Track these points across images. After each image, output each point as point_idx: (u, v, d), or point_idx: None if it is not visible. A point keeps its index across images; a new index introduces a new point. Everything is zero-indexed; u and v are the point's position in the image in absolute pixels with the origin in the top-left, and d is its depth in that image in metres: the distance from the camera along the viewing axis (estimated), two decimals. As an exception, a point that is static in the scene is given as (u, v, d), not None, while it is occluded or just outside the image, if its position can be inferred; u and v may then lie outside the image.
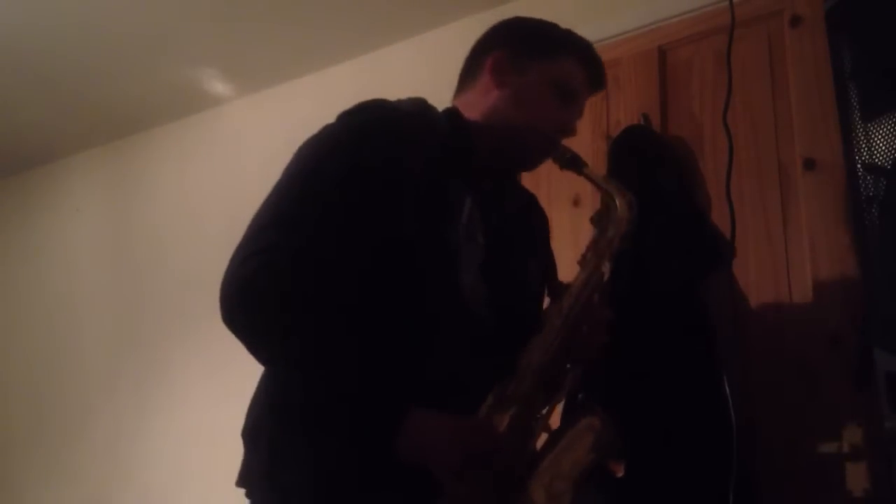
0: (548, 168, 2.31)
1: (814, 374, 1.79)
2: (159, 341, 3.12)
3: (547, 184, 2.31)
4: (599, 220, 1.34)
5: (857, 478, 1.65)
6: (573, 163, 1.38)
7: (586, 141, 2.29)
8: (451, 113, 1.37)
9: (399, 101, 1.31)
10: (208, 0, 2.75)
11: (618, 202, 1.34)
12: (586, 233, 2.13)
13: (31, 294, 3.70)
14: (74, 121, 3.48)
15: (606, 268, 1.31)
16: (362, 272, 1.16)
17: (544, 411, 1.22)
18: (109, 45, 2.98)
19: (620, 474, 1.25)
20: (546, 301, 1.39)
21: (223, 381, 2.67)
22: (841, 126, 1.36)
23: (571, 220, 2.24)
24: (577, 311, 1.26)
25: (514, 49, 1.38)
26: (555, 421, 1.24)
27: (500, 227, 1.33)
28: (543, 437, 1.21)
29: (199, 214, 3.17)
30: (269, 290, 1.11)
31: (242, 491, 1.20)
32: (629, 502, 1.70)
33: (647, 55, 2.25)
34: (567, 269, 2.20)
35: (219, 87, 3.24)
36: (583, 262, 1.32)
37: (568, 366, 1.26)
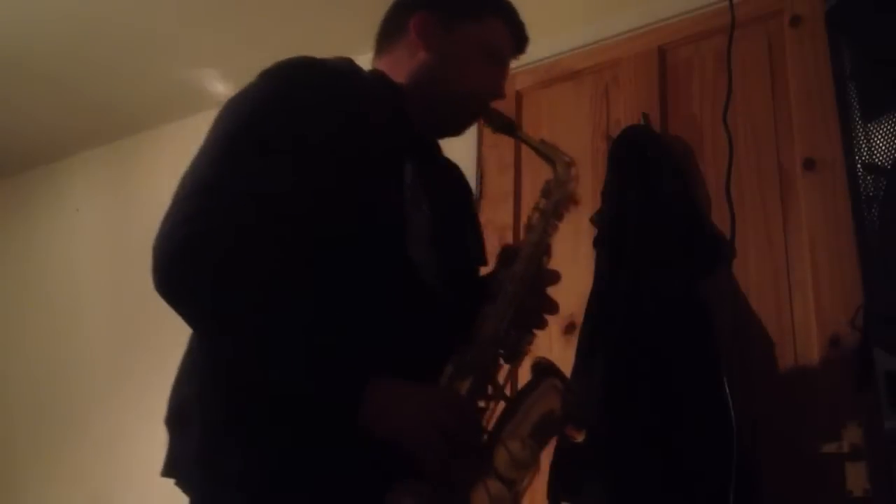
0: (547, 168, 2.32)
1: (814, 374, 1.79)
2: (159, 341, 3.11)
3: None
4: (545, 185, 1.31)
5: (857, 478, 1.65)
6: (507, 127, 1.35)
7: (586, 141, 2.29)
8: (379, 75, 1.33)
9: (327, 59, 1.24)
10: (208, 0, 2.75)
11: (557, 163, 1.31)
12: (586, 233, 2.14)
13: (32, 294, 3.70)
14: (75, 121, 3.48)
15: (553, 230, 1.28)
16: (304, 238, 1.09)
17: (500, 381, 1.18)
18: (110, 45, 2.98)
19: (579, 439, 1.24)
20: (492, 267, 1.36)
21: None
22: (841, 126, 1.36)
23: (571, 221, 2.23)
24: (528, 275, 1.22)
25: (440, 9, 1.33)
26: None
27: (438, 194, 1.30)
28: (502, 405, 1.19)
29: (199, 214, 3.16)
30: (201, 261, 1.04)
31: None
32: (630, 502, 1.70)
33: (647, 55, 2.25)
34: (568, 268, 2.21)
35: (219, 87, 3.24)
36: (529, 226, 1.28)
37: (523, 330, 1.23)
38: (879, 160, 1.28)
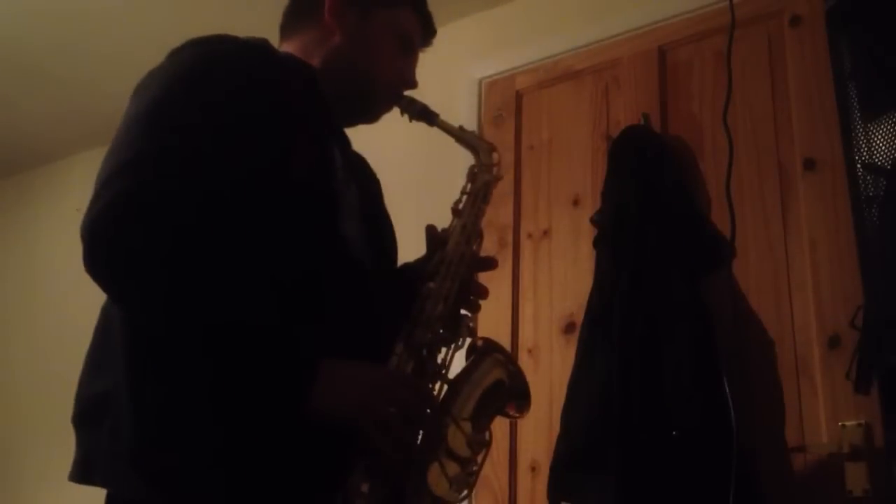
0: (547, 168, 2.33)
1: (814, 374, 1.79)
2: (159, 341, 3.12)
3: (547, 184, 2.32)
4: (470, 170, 1.32)
5: (857, 478, 1.65)
6: (424, 114, 1.32)
7: (586, 141, 2.29)
8: (292, 57, 1.29)
9: (241, 37, 1.21)
10: (208, 0, 2.75)
11: (479, 148, 1.32)
12: (586, 233, 2.15)
13: (32, 294, 3.70)
14: (75, 121, 3.48)
15: (482, 213, 1.29)
16: (235, 218, 1.04)
17: (441, 358, 1.18)
18: (110, 44, 2.98)
19: (516, 416, 1.25)
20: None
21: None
22: (841, 126, 1.36)
23: (571, 220, 2.24)
24: (466, 258, 1.23)
25: None
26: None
27: (361, 176, 1.31)
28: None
29: (199, 214, 3.16)
30: (130, 242, 0.98)
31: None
32: (630, 502, 1.70)
33: (647, 55, 2.25)
34: (568, 268, 2.22)
35: (219, 87, 3.24)
36: (458, 209, 1.28)
37: (462, 311, 1.23)
38: (879, 160, 1.28)
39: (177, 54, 1.17)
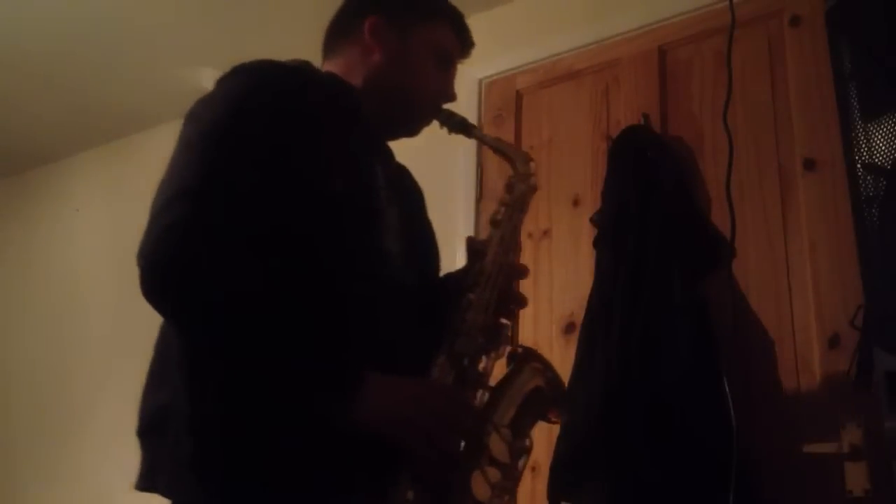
0: (547, 168, 2.33)
1: (814, 374, 1.79)
2: (159, 341, 3.12)
3: (547, 184, 2.32)
4: (507, 180, 1.34)
5: (857, 478, 1.65)
6: (463, 127, 1.37)
7: (586, 141, 2.29)
8: (334, 76, 1.34)
9: (285, 62, 1.26)
10: (209, 0, 2.75)
11: (517, 161, 1.35)
12: (586, 233, 2.15)
13: (31, 294, 3.70)
14: (74, 121, 3.48)
15: (520, 222, 1.32)
16: (285, 239, 1.09)
17: (482, 367, 1.20)
18: (110, 44, 2.98)
19: (557, 421, 1.26)
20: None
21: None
22: (841, 126, 1.35)
23: (571, 220, 2.24)
24: (505, 268, 1.25)
25: (393, 13, 1.36)
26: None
27: (403, 192, 1.34)
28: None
29: (199, 214, 3.16)
30: (188, 267, 1.03)
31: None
32: (630, 502, 1.70)
33: (647, 55, 2.25)
34: (568, 268, 2.21)
35: (219, 86, 3.24)
36: (496, 220, 1.31)
37: (501, 319, 1.25)
38: (879, 160, 1.28)
39: (224, 82, 1.22)
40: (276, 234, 1.08)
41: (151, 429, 1.13)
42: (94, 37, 2.94)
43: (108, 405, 3.22)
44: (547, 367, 1.22)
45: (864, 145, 1.30)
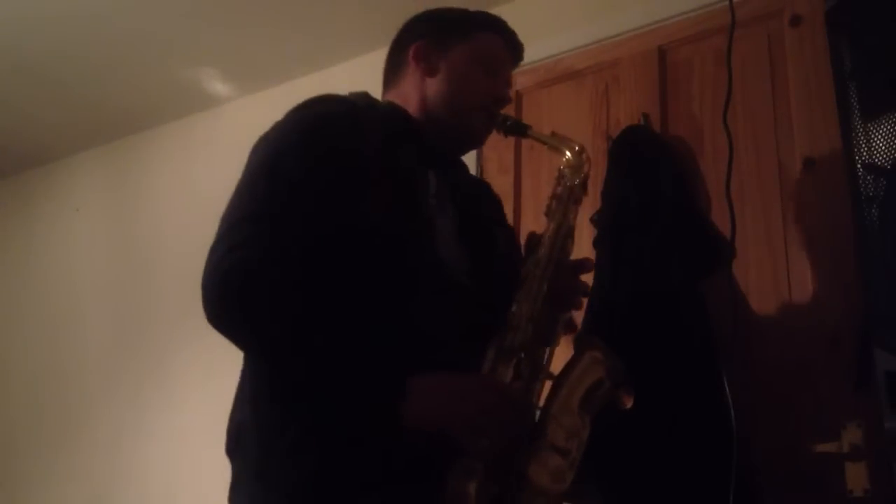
0: (548, 167, 2.33)
1: (814, 374, 1.79)
2: (159, 341, 3.12)
3: (547, 183, 2.31)
4: (558, 172, 1.39)
5: (857, 478, 1.64)
6: (516, 128, 1.43)
7: (586, 141, 2.29)
8: (393, 105, 1.41)
9: (346, 95, 1.36)
10: (209, 0, 2.75)
11: (568, 153, 1.40)
12: (586, 232, 2.14)
13: (31, 294, 3.70)
14: (74, 120, 3.48)
15: (573, 214, 1.36)
16: (341, 256, 1.16)
17: (543, 360, 1.24)
18: (110, 44, 2.98)
19: (630, 405, 1.28)
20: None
21: (223, 381, 2.65)
22: (841, 126, 1.35)
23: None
24: (554, 259, 1.29)
25: (434, 36, 1.43)
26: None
27: (466, 196, 1.38)
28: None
29: (199, 214, 3.15)
30: (251, 285, 1.11)
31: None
32: (630, 502, 1.70)
33: (647, 55, 2.25)
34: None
35: (219, 87, 3.24)
36: (549, 213, 1.36)
37: (556, 314, 1.29)
38: (879, 160, 1.28)
39: (288, 115, 1.30)
40: (329, 251, 1.15)
41: (233, 446, 1.22)
42: (94, 37, 2.94)
43: (108, 405, 3.23)
44: (607, 355, 1.25)
45: (864, 145, 1.30)
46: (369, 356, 1.09)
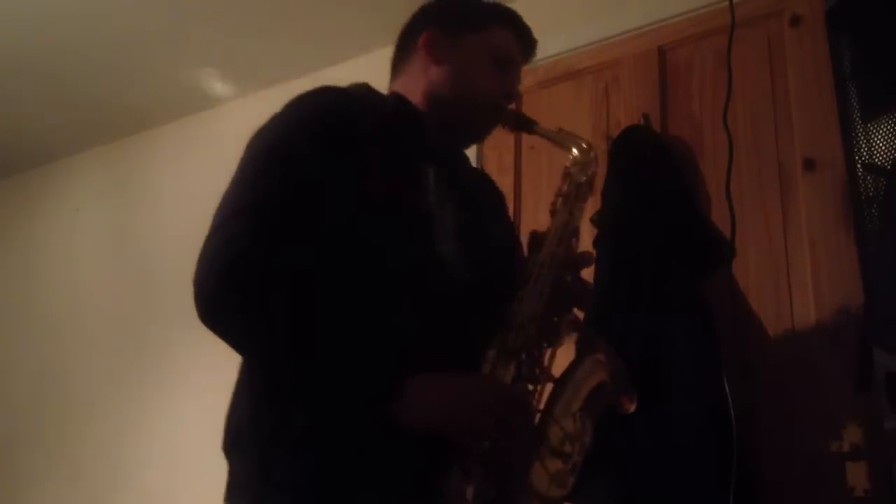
0: (548, 167, 2.33)
1: (814, 374, 1.79)
2: (160, 341, 3.12)
3: (547, 184, 2.32)
4: (565, 170, 1.36)
5: (857, 478, 1.65)
6: (523, 123, 1.41)
7: (586, 141, 2.29)
8: (395, 95, 1.39)
9: (348, 86, 1.33)
10: (209, 0, 2.75)
11: (575, 150, 1.37)
12: (586, 233, 2.14)
13: (32, 294, 3.70)
14: (75, 120, 3.48)
15: (579, 212, 1.33)
16: (337, 251, 1.14)
17: (545, 361, 1.22)
18: (109, 44, 2.98)
19: (632, 409, 1.26)
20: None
21: (223, 382, 2.66)
22: (841, 126, 1.35)
23: (571, 220, 2.23)
24: (558, 258, 1.26)
25: (445, 25, 1.40)
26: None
27: (463, 194, 1.34)
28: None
29: (199, 214, 3.15)
30: (248, 279, 1.09)
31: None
32: (630, 502, 1.70)
33: (647, 55, 2.25)
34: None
35: (219, 87, 3.24)
36: (554, 210, 1.33)
37: (559, 314, 1.26)
38: (879, 160, 1.27)
39: (284, 108, 1.28)
40: (325, 245, 1.13)
41: (232, 444, 1.19)
42: (94, 37, 2.94)
43: (108, 404, 3.23)
44: (610, 357, 1.23)
45: (864, 145, 1.29)
46: (365, 355, 1.08)
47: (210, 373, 2.89)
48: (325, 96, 1.27)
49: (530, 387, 1.18)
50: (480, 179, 1.53)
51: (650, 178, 2.00)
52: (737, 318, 1.85)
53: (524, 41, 1.45)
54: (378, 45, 2.92)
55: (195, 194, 3.24)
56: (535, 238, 1.31)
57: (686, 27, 2.21)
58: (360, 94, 1.34)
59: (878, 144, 1.28)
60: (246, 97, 3.24)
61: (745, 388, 1.73)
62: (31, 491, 3.31)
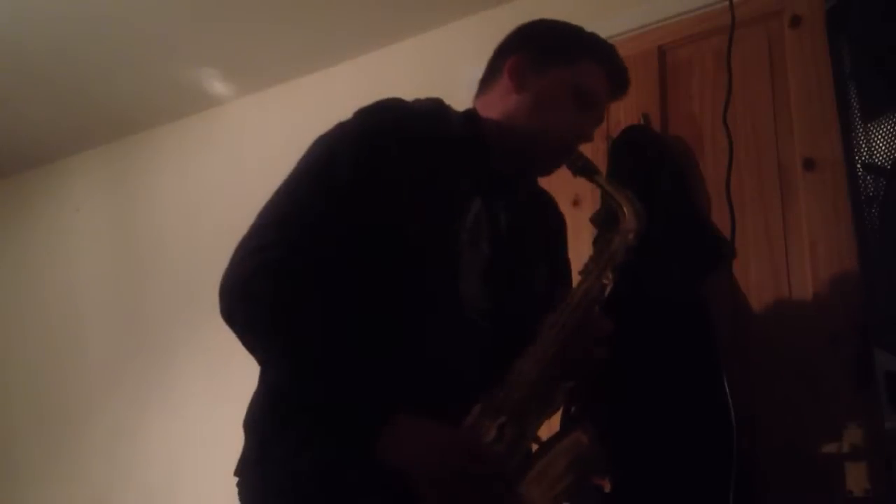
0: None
1: (814, 374, 1.79)
2: (159, 341, 3.12)
3: (547, 183, 2.31)
4: (604, 229, 1.33)
5: (857, 478, 1.65)
6: (585, 169, 1.35)
7: (586, 141, 2.29)
8: (469, 114, 1.37)
9: (415, 101, 1.30)
10: (209, 0, 2.75)
11: (626, 212, 1.31)
12: (586, 233, 2.14)
13: (32, 294, 3.70)
14: (74, 120, 3.48)
15: (609, 279, 1.27)
16: (362, 273, 1.16)
17: (532, 426, 1.19)
18: (110, 44, 2.98)
19: (607, 490, 1.24)
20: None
21: (223, 381, 2.67)
22: (841, 126, 1.35)
23: (571, 220, 2.21)
24: (574, 322, 1.22)
25: (535, 52, 1.36)
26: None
27: (509, 230, 1.31)
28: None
29: (199, 214, 3.17)
30: (266, 288, 1.12)
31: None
32: (630, 502, 1.70)
33: (647, 55, 2.25)
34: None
35: (219, 87, 3.23)
36: (584, 271, 1.29)
37: (562, 379, 1.23)
38: (879, 160, 1.27)
39: (356, 118, 1.26)
40: (353, 270, 1.15)
41: (246, 425, 1.24)
42: (94, 37, 2.94)
43: (107, 405, 3.23)
44: (593, 440, 1.19)
45: (864, 145, 1.30)
46: (365, 379, 1.09)
47: (209, 372, 2.90)
48: (385, 114, 1.25)
49: (510, 449, 1.14)
50: (539, 209, 1.47)
51: (650, 178, 2.00)
52: (737, 318, 1.85)
53: (615, 81, 1.39)
54: (378, 45, 2.93)
55: (195, 194, 3.26)
56: (562, 296, 1.27)
57: (686, 27, 2.21)
58: (427, 112, 1.30)
59: (878, 144, 1.28)
60: (246, 97, 3.24)
61: (745, 389, 1.73)
62: (31, 491, 3.31)
